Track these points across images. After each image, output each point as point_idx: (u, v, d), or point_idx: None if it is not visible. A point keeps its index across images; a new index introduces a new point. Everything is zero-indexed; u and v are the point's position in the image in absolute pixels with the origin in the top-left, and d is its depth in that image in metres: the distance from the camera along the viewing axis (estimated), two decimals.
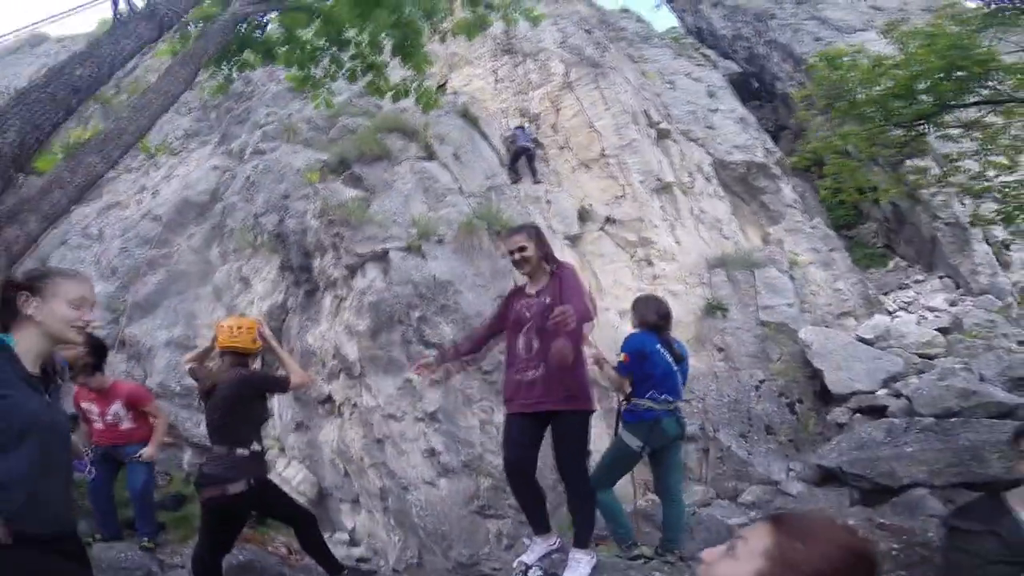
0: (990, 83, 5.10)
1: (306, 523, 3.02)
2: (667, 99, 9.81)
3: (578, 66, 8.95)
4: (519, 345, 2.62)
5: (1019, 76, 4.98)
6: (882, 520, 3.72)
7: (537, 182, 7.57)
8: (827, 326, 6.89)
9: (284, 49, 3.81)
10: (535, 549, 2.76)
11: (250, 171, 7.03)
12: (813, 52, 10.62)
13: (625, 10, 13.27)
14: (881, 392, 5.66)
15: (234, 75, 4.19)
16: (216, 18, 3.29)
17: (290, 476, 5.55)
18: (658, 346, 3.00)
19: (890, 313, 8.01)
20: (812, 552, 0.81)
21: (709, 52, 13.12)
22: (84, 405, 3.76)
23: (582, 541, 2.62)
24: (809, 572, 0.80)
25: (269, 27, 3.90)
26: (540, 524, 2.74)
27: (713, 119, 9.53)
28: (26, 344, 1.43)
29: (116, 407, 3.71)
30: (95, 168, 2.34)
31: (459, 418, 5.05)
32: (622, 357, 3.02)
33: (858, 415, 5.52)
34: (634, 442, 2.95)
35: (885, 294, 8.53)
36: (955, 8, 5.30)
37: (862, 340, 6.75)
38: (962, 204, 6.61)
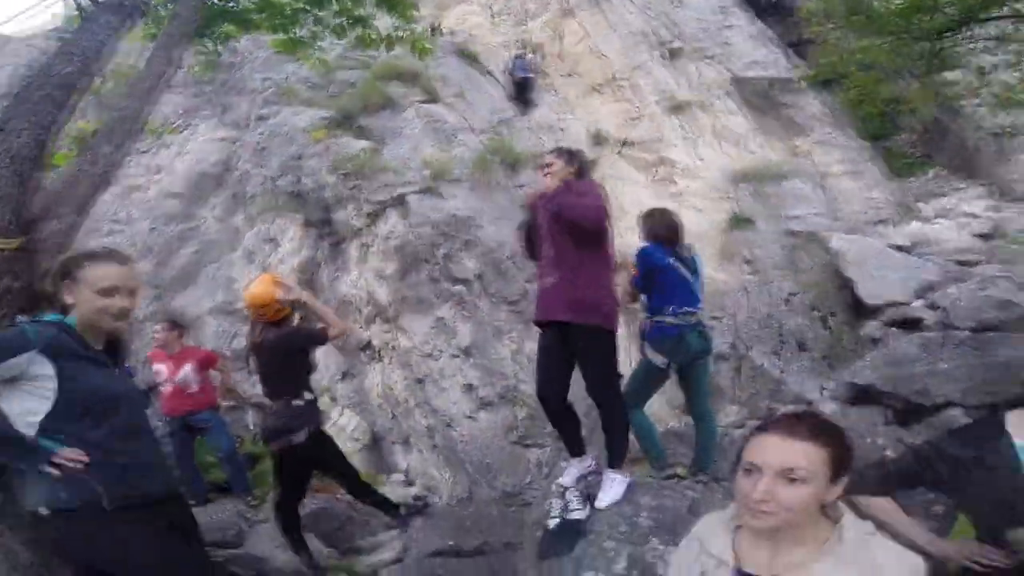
0: None
1: (354, 477, 3.19)
2: (676, 17, 9.20)
3: None
4: (542, 251, 2.61)
5: None
6: (910, 440, 3.60)
7: (525, 111, 7.25)
8: (860, 234, 6.60)
9: (262, 16, 3.69)
10: (571, 471, 2.76)
11: (257, 138, 7.05)
12: None
13: None
14: (917, 303, 5.39)
15: (219, 49, 4.15)
16: None
17: (344, 424, 5.83)
18: (670, 259, 2.92)
19: (928, 220, 7.65)
20: (844, 440, 1.02)
21: None
22: (156, 366, 3.97)
23: (616, 461, 2.61)
24: (848, 455, 0.99)
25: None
26: (575, 447, 2.76)
27: (728, 35, 8.93)
28: (81, 325, 1.49)
29: (187, 369, 3.93)
30: (110, 156, 2.45)
31: (491, 350, 5.18)
32: (633, 271, 2.98)
33: (893, 329, 5.26)
34: (658, 358, 2.91)
35: (923, 202, 8.12)
36: None
37: (897, 247, 6.46)
38: (1005, 114, 6.15)
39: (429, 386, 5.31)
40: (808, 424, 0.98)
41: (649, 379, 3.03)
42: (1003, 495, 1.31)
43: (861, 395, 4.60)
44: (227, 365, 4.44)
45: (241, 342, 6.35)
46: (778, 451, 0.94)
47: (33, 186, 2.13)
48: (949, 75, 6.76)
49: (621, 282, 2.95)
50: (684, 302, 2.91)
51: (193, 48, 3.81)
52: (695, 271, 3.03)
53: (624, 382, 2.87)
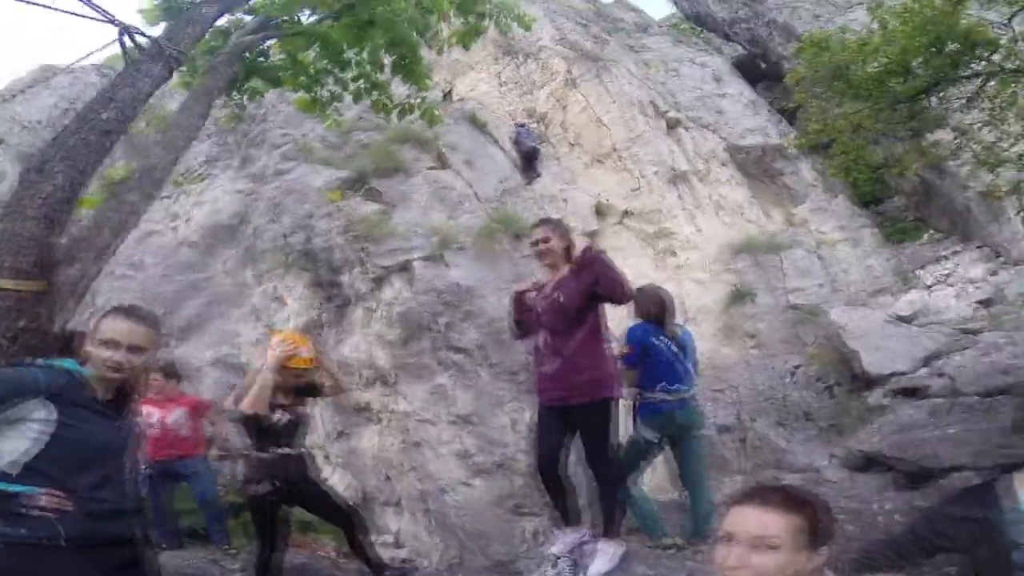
0: (982, 55, 5.00)
1: (350, 529, 3.16)
2: (673, 87, 9.70)
3: (579, 62, 8.93)
4: (539, 339, 2.68)
5: (1005, 47, 4.89)
6: (920, 503, 3.61)
7: (530, 182, 7.49)
8: (861, 305, 6.69)
9: (289, 73, 3.86)
10: (564, 539, 2.77)
11: (273, 192, 7.30)
12: (813, 30, 10.37)
13: (620, 1, 13.13)
14: (921, 372, 5.43)
15: (246, 103, 4.26)
16: (219, 51, 3.44)
17: (335, 483, 5.76)
18: (658, 337, 3.02)
19: (927, 287, 7.72)
20: (826, 515, 1.03)
21: (710, 36, 12.90)
22: (146, 409, 3.91)
23: (609, 531, 2.63)
24: (826, 528, 1.01)
25: (272, 54, 4.00)
26: (569, 517, 2.78)
27: (722, 104, 9.39)
28: (93, 376, 1.58)
29: (179, 413, 3.97)
30: (135, 205, 2.49)
31: (490, 419, 5.20)
32: (626, 349, 3.06)
33: (899, 397, 5.30)
34: (649, 434, 3.00)
35: (920, 268, 8.22)
36: None
37: (898, 318, 6.53)
38: (991, 174, 6.40)
39: (425, 451, 5.29)
40: (781, 495, 1.03)
41: (640, 453, 3.09)
42: (1008, 557, 1.33)
43: (869, 462, 4.62)
44: (221, 415, 4.44)
45: None
46: (751, 520, 0.98)
47: (60, 231, 2.15)
48: (932, 136, 7.06)
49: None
50: (672, 379, 3.00)
51: (222, 101, 3.97)
52: (684, 348, 3.11)
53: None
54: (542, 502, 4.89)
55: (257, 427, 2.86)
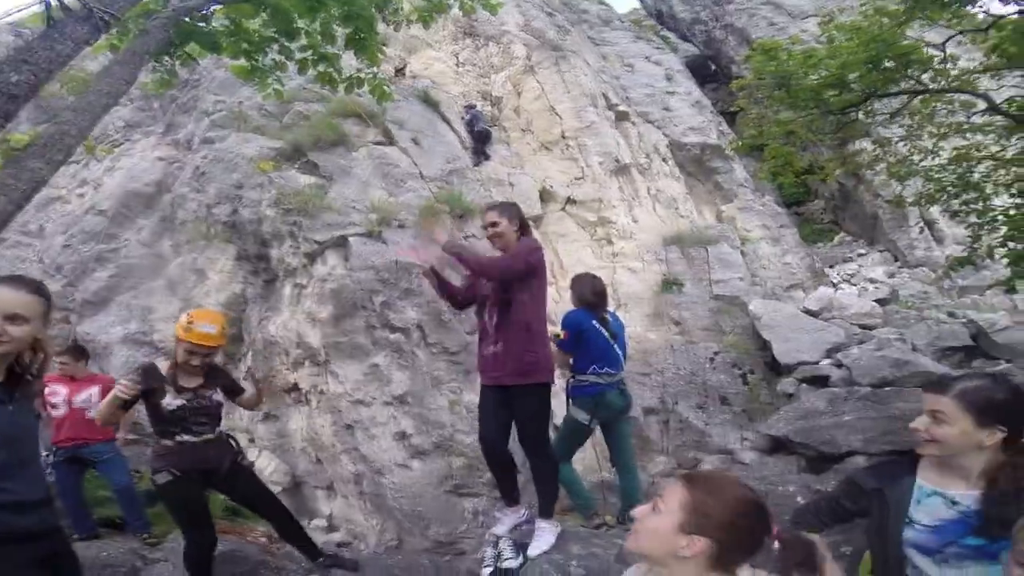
0: (913, 74, 5.47)
1: (282, 517, 3.08)
2: (626, 82, 9.94)
3: (540, 49, 8.95)
4: (484, 319, 2.69)
5: (933, 69, 5.38)
6: (819, 487, 3.88)
7: (478, 164, 7.46)
8: (777, 299, 7.23)
9: (231, 40, 3.62)
10: (505, 521, 2.86)
11: (199, 161, 6.76)
12: (766, 37, 10.96)
13: None
14: (824, 362, 5.92)
15: (177, 69, 3.98)
16: (156, 14, 3.15)
17: (263, 466, 5.52)
18: (594, 322, 3.12)
19: (834, 285, 8.49)
20: (719, 504, 1.01)
21: (669, 35, 13.31)
22: (52, 387, 3.64)
23: (546, 512, 2.71)
24: (719, 521, 1.00)
25: (214, 19, 3.67)
26: (510, 496, 2.85)
27: (670, 101, 9.74)
28: None
29: (90, 392, 3.67)
30: (39, 173, 2.29)
31: (428, 400, 5.12)
32: (561, 334, 3.15)
33: (804, 385, 5.76)
34: (581, 415, 3.09)
35: (831, 267, 9.02)
36: (880, 1, 5.63)
37: (808, 312, 7.10)
38: (899, 183, 7.13)
39: (359, 432, 5.15)
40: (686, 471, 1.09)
41: (574, 435, 3.19)
42: (890, 535, 1.40)
43: (777, 446, 4.99)
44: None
45: None
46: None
47: None
48: (854, 146, 7.71)
49: (555, 354, 3.07)
50: (605, 363, 3.12)
51: (151, 64, 3.65)
52: (616, 334, 3.24)
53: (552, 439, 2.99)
54: (482, 482, 4.95)
55: (155, 413, 2.66)
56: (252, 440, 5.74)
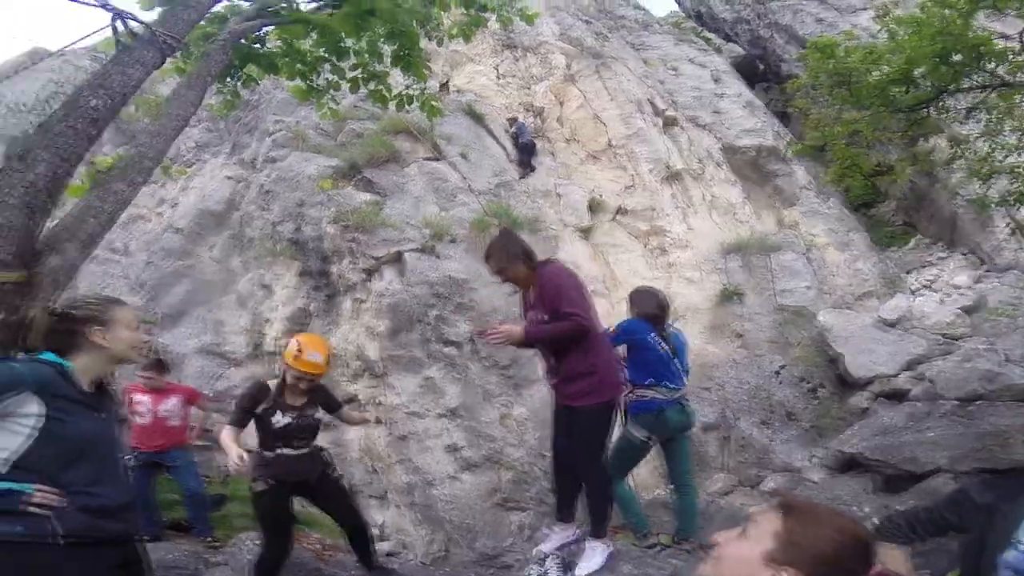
0: (987, 67, 5.05)
1: (356, 529, 3.16)
2: (672, 86, 9.69)
3: (579, 58, 8.90)
4: (541, 352, 2.76)
5: (1009, 62, 4.94)
6: (899, 507, 3.63)
7: (524, 176, 7.45)
8: (847, 308, 6.77)
9: (285, 61, 3.79)
10: (553, 538, 2.83)
11: (264, 180, 7.18)
12: (815, 34, 10.37)
13: None
14: (903, 375, 5.54)
15: (240, 91, 4.18)
16: (214, 38, 3.33)
17: None
18: (651, 335, 3.03)
19: (913, 292, 7.83)
20: (816, 536, 0.90)
21: (711, 36, 12.89)
22: (136, 397, 3.92)
23: (597, 531, 2.66)
24: (813, 553, 0.89)
25: (268, 41, 3.86)
26: (566, 511, 2.82)
27: (720, 104, 9.40)
28: (84, 367, 1.56)
29: (172, 402, 3.96)
30: (123, 194, 2.43)
31: (480, 413, 5.15)
32: (611, 330, 3.06)
33: (880, 399, 5.42)
34: (640, 432, 2.98)
35: (907, 273, 8.34)
36: None
37: (884, 322, 6.62)
38: (982, 183, 6.52)
39: (413, 444, 5.25)
40: (784, 498, 1.01)
41: (630, 452, 3.10)
42: (989, 553, 1.30)
43: (849, 464, 4.70)
44: (208, 404, 4.46)
45: (223, 384, 6.32)
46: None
47: (42, 220, 2.09)
48: (926, 144, 7.15)
49: None
50: (664, 378, 3.01)
51: (215, 88, 3.87)
52: (677, 349, 3.13)
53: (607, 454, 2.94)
54: (530, 496, 4.92)
55: (264, 428, 2.83)
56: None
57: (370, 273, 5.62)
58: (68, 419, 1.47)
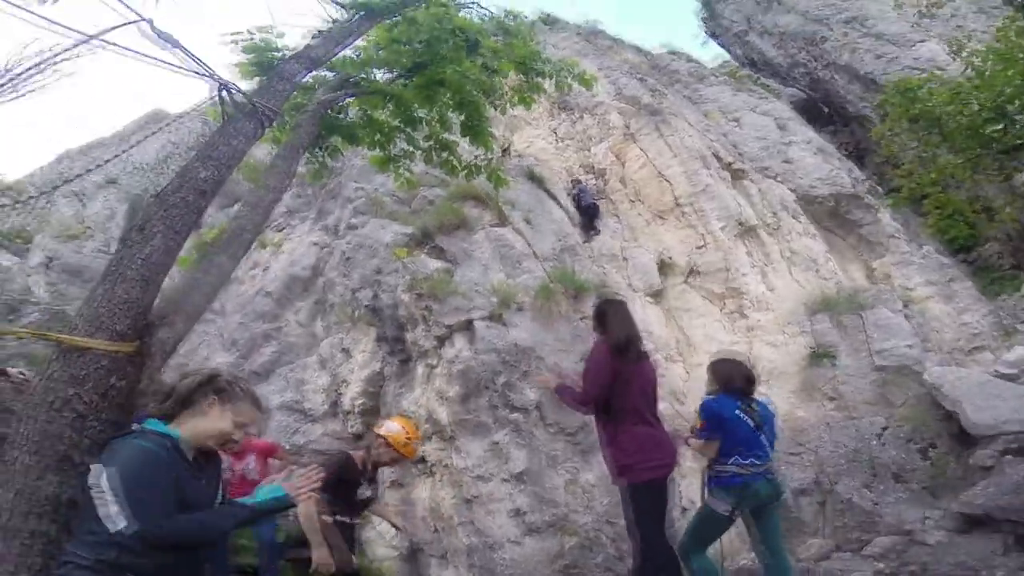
0: None
1: None
2: (735, 137, 9.52)
3: (637, 116, 8.97)
4: None
5: None
6: None
7: (589, 240, 7.47)
8: (957, 364, 6.07)
9: (365, 131, 4.02)
10: None
11: (344, 246, 7.76)
12: (877, 71, 9.96)
13: (673, 52, 13.07)
14: None
15: (328, 161, 4.41)
16: (304, 107, 3.56)
17: (385, 531, 5.81)
18: (737, 411, 2.94)
19: None
20: None
21: (769, 82, 12.67)
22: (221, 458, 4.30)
23: None
24: None
25: (350, 111, 4.09)
26: None
27: (789, 152, 9.07)
28: (188, 434, 1.68)
29: (250, 460, 4.26)
30: (225, 268, 2.54)
31: (545, 478, 5.09)
32: (699, 424, 3.01)
33: (1008, 456, 4.83)
34: (721, 507, 2.90)
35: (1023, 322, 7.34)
36: (1016, 22, 4.86)
37: (1002, 376, 5.88)
38: None
39: (476, 507, 5.22)
40: None
41: (710, 525, 3.02)
42: None
43: (973, 523, 4.34)
44: (285, 453, 4.80)
45: (300, 438, 6.67)
46: None
47: (156, 292, 2.18)
48: (1022, 178, 6.46)
49: (692, 442, 3.04)
50: (749, 452, 2.90)
51: (304, 158, 3.97)
52: (764, 422, 3.02)
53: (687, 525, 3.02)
54: (594, 563, 4.72)
55: (347, 498, 2.97)
56: (370, 506, 6.05)
57: (441, 340, 5.82)
58: (185, 486, 1.59)
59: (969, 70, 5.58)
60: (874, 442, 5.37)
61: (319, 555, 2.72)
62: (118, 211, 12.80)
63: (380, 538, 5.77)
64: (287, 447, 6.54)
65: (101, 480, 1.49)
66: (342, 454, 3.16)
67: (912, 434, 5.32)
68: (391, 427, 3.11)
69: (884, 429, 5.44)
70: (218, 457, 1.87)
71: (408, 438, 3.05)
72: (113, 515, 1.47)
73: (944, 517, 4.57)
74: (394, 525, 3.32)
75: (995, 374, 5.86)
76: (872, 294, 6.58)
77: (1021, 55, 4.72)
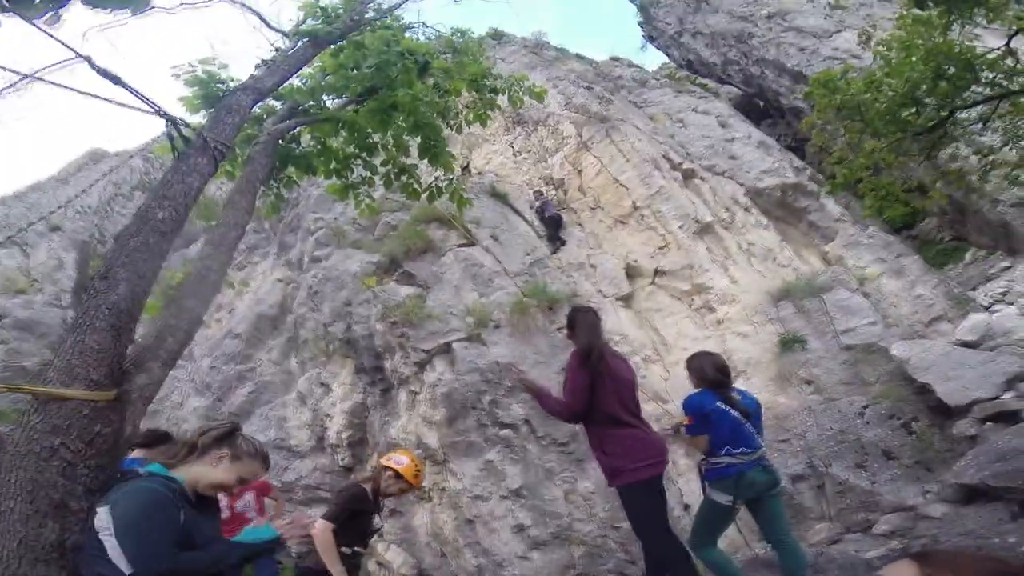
0: (985, 78, 5.10)
1: None
2: (682, 138, 9.92)
3: (588, 124, 9.19)
4: None
5: (1007, 70, 4.98)
6: None
7: (555, 251, 7.59)
8: (920, 337, 6.39)
9: (321, 160, 3.95)
10: None
11: (311, 280, 7.60)
12: (802, 63, 10.67)
13: (615, 59, 13.48)
14: (1007, 396, 5.16)
15: (284, 193, 4.31)
16: (255, 139, 3.46)
17: (391, 559, 5.66)
18: (718, 403, 3.00)
19: (986, 308, 7.32)
20: None
21: (706, 81, 13.32)
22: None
23: None
24: None
25: (303, 140, 4.02)
26: None
27: (732, 148, 9.51)
28: (190, 480, 1.73)
29: (247, 498, 4.13)
30: (195, 311, 2.50)
31: (543, 491, 5.05)
32: (686, 420, 3.06)
33: (987, 424, 5.05)
34: (722, 498, 2.93)
35: (973, 289, 7.84)
36: (911, 9, 5.37)
37: (964, 344, 6.21)
38: (1017, 188, 6.28)
39: (479, 527, 5.13)
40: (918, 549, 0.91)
41: (715, 517, 3.03)
42: None
43: (973, 494, 4.40)
44: (279, 494, 4.70)
45: (291, 475, 6.41)
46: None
47: (128, 339, 2.17)
48: (949, 157, 7.02)
49: (679, 437, 3.15)
50: (739, 442, 2.94)
51: (262, 190, 3.85)
52: (748, 411, 3.06)
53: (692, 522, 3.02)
54: (606, 569, 4.69)
55: (360, 529, 2.98)
56: (381, 536, 5.87)
57: (421, 365, 5.75)
58: (190, 527, 1.63)
59: (879, 59, 6.02)
60: (857, 422, 5.51)
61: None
62: (65, 259, 12.15)
63: (386, 567, 5.58)
64: (279, 485, 6.28)
65: (108, 523, 1.54)
66: (356, 486, 3.15)
67: (892, 410, 5.50)
68: (400, 460, 3.18)
69: (865, 408, 5.59)
70: (216, 498, 1.91)
71: (417, 469, 3.15)
72: (116, 558, 1.51)
73: (943, 490, 4.69)
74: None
75: (956, 343, 6.19)
76: (829, 276, 6.91)
77: (920, 42, 5.12)
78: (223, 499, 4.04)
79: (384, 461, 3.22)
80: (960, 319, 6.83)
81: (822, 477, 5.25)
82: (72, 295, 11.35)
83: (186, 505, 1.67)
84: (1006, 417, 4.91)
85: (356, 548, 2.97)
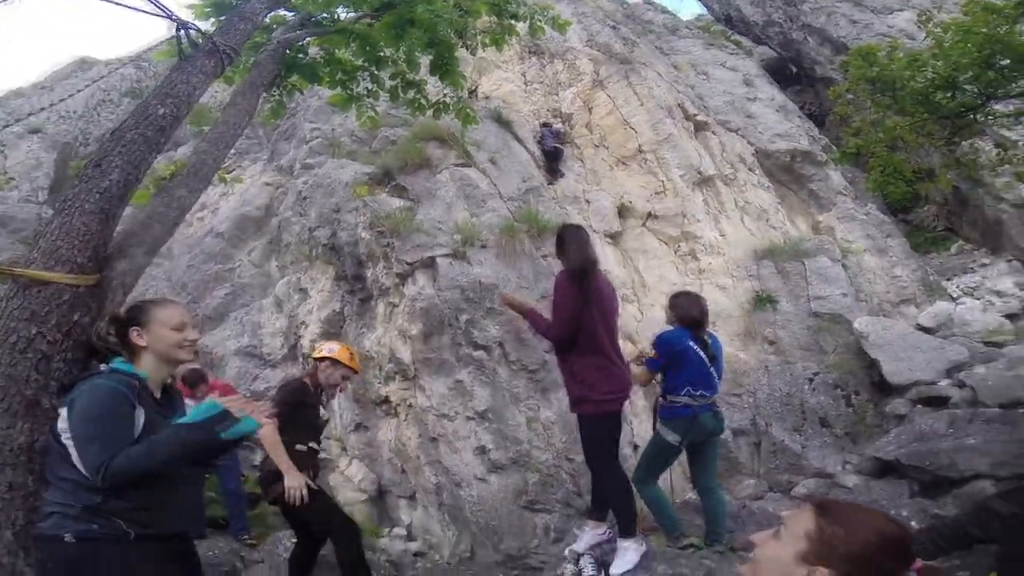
0: None
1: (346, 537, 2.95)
2: (702, 90, 9.58)
3: (607, 63, 8.86)
4: None
5: None
6: (938, 511, 3.81)
7: (552, 182, 7.50)
8: (885, 315, 6.61)
9: (326, 70, 3.85)
10: (584, 537, 2.89)
11: (301, 186, 7.41)
12: (850, 36, 10.15)
13: (649, 2, 12.92)
14: (944, 382, 5.45)
15: (285, 99, 4.23)
16: (264, 47, 3.46)
17: (352, 474, 5.90)
18: (691, 343, 3.04)
19: (954, 299, 7.57)
20: (850, 536, 0.90)
21: (741, 39, 12.69)
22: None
23: (626, 530, 2.68)
24: (846, 554, 0.89)
25: (311, 50, 3.90)
26: (598, 510, 2.91)
27: (752, 108, 9.25)
28: (148, 371, 1.66)
29: (211, 399, 4.18)
30: (185, 200, 2.50)
31: (507, 416, 5.21)
32: (652, 353, 3.13)
33: (919, 406, 5.35)
34: (672, 436, 3.02)
35: (948, 279, 8.06)
36: None
37: (923, 329, 6.46)
38: None
39: (442, 445, 5.35)
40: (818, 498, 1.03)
41: (661, 455, 3.14)
42: None
43: (885, 469, 4.72)
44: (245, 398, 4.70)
45: (261, 384, 6.56)
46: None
47: (114, 225, 2.16)
48: (968, 147, 6.96)
49: (633, 367, 3.12)
50: (700, 384, 3.02)
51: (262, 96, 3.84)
52: (714, 356, 3.15)
53: (638, 457, 3.05)
54: (555, 499, 4.96)
55: (310, 423, 2.95)
56: (344, 448, 6.14)
57: (403, 278, 5.75)
58: (155, 426, 1.55)
59: (931, 40, 5.77)
60: (805, 387, 5.77)
61: (292, 478, 2.69)
62: (44, 160, 11.67)
63: (348, 482, 5.85)
64: (247, 394, 6.43)
65: (67, 424, 1.47)
66: (296, 380, 3.18)
67: (839, 381, 5.74)
68: (332, 347, 3.14)
69: (815, 375, 5.84)
70: (181, 396, 1.86)
71: (351, 352, 3.09)
72: (78, 461, 1.45)
73: (862, 462, 4.98)
74: None
75: (916, 326, 6.44)
76: (814, 244, 7.01)
77: (984, 30, 4.87)
78: (189, 403, 4.15)
79: (316, 354, 3.18)
80: (927, 305, 7.07)
81: (761, 435, 5.55)
82: (49, 192, 10.97)
83: (148, 402, 1.58)
84: (937, 402, 5.21)
85: (311, 444, 2.94)
